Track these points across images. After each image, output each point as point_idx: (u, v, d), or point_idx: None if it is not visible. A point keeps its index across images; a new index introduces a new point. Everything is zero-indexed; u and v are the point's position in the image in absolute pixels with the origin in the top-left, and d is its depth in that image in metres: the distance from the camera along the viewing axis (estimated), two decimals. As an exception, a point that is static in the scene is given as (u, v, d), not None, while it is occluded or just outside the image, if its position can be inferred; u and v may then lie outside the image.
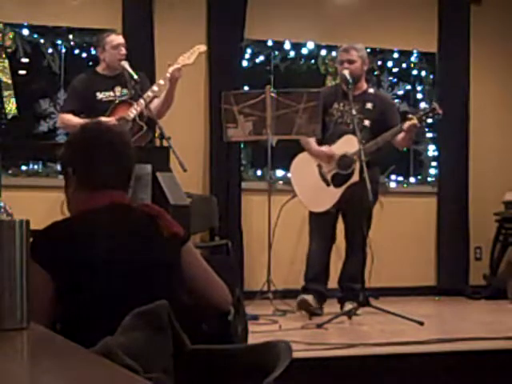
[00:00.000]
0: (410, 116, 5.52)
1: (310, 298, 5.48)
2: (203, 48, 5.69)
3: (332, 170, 5.55)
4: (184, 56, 5.49)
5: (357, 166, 5.35)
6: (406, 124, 5.44)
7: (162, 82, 5.44)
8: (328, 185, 5.53)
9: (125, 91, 5.48)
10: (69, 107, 5.52)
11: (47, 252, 2.33)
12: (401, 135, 5.51)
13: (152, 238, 2.44)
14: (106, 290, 2.33)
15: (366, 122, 5.56)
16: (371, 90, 5.70)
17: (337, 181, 5.51)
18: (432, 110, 5.48)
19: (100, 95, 5.48)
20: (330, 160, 5.52)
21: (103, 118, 5.31)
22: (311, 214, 5.64)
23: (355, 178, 5.37)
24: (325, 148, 5.56)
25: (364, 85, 5.67)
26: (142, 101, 5.30)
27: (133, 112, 5.36)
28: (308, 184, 5.58)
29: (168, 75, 5.39)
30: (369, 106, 5.59)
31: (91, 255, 2.34)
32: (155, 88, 5.40)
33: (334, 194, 5.50)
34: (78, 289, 2.33)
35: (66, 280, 2.32)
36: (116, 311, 2.07)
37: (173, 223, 2.50)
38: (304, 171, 5.61)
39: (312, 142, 5.61)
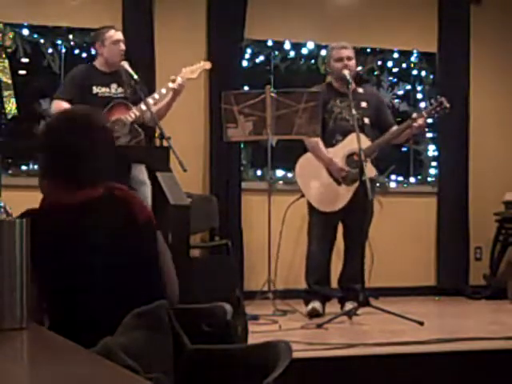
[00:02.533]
0: (414, 115, 5.52)
1: (317, 305, 5.49)
2: (208, 65, 5.73)
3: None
4: (187, 69, 5.51)
5: (368, 162, 5.32)
6: (416, 118, 5.45)
7: (163, 91, 5.46)
8: (339, 184, 5.52)
9: (120, 89, 5.49)
10: (65, 95, 5.48)
11: None
12: (407, 130, 5.51)
13: (130, 226, 2.38)
14: (86, 285, 2.31)
15: (366, 120, 5.56)
16: (360, 90, 5.69)
17: (348, 179, 5.50)
18: (440, 104, 5.49)
19: (96, 89, 5.48)
20: (339, 172, 5.50)
21: None
22: (313, 214, 5.61)
23: (371, 173, 5.32)
24: (337, 161, 5.52)
25: (353, 84, 5.66)
26: (142, 106, 5.32)
27: (131, 116, 5.37)
28: (317, 184, 5.55)
29: (170, 85, 5.41)
30: (363, 104, 5.58)
31: (66, 252, 2.31)
32: (156, 96, 5.43)
33: (346, 192, 5.49)
34: (57, 282, 2.31)
35: (43, 268, 2.28)
36: (104, 302, 2.06)
37: (146, 208, 2.44)
38: (312, 172, 5.57)
39: (322, 148, 5.57)
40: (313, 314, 5.41)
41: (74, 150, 2.40)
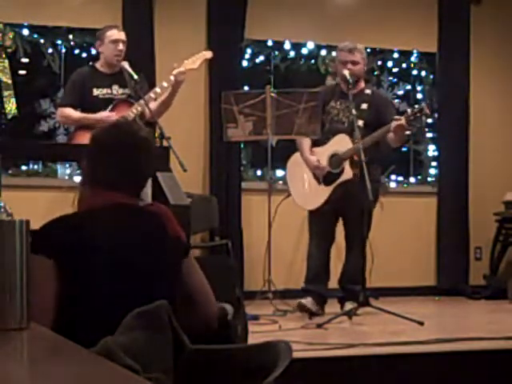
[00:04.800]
0: (396, 117, 5.38)
1: (308, 301, 5.46)
2: (209, 54, 5.70)
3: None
4: (189, 60, 5.49)
5: (346, 165, 5.37)
6: (393, 124, 5.32)
7: (165, 84, 5.43)
8: (319, 183, 5.56)
9: (122, 90, 5.47)
10: (67, 101, 5.51)
11: (50, 240, 2.32)
12: (390, 134, 5.43)
13: (158, 238, 2.43)
14: (107, 288, 2.32)
15: (360, 123, 5.48)
16: (368, 91, 5.64)
17: (327, 179, 5.52)
18: (420, 111, 5.38)
19: (96, 91, 5.46)
20: (318, 171, 5.52)
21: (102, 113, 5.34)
22: (310, 214, 5.64)
23: (346, 175, 5.38)
24: (314, 159, 5.55)
25: (362, 84, 5.64)
26: (142, 101, 5.29)
27: (133, 112, 5.36)
28: (301, 183, 5.64)
29: (172, 78, 5.38)
30: (364, 106, 5.56)
31: (94, 252, 2.33)
32: (158, 90, 5.40)
33: (323, 192, 5.52)
34: (79, 284, 2.32)
35: (67, 270, 2.31)
36: (116, 309, 2.06)
37: (177, 225, 2.49)
38: (298, 170, 5.65)
39: (305, 147, 5.60)
40: (301, 310, 5.41)
41: (134, 156, 2.48)
